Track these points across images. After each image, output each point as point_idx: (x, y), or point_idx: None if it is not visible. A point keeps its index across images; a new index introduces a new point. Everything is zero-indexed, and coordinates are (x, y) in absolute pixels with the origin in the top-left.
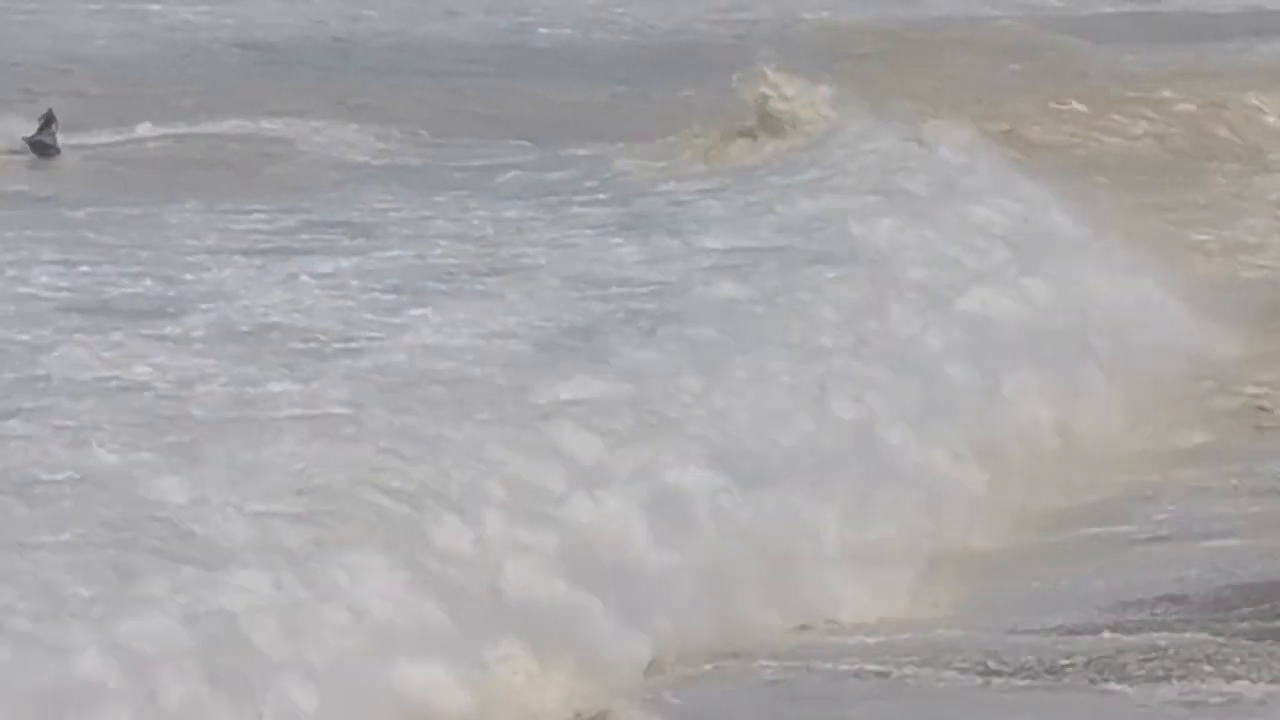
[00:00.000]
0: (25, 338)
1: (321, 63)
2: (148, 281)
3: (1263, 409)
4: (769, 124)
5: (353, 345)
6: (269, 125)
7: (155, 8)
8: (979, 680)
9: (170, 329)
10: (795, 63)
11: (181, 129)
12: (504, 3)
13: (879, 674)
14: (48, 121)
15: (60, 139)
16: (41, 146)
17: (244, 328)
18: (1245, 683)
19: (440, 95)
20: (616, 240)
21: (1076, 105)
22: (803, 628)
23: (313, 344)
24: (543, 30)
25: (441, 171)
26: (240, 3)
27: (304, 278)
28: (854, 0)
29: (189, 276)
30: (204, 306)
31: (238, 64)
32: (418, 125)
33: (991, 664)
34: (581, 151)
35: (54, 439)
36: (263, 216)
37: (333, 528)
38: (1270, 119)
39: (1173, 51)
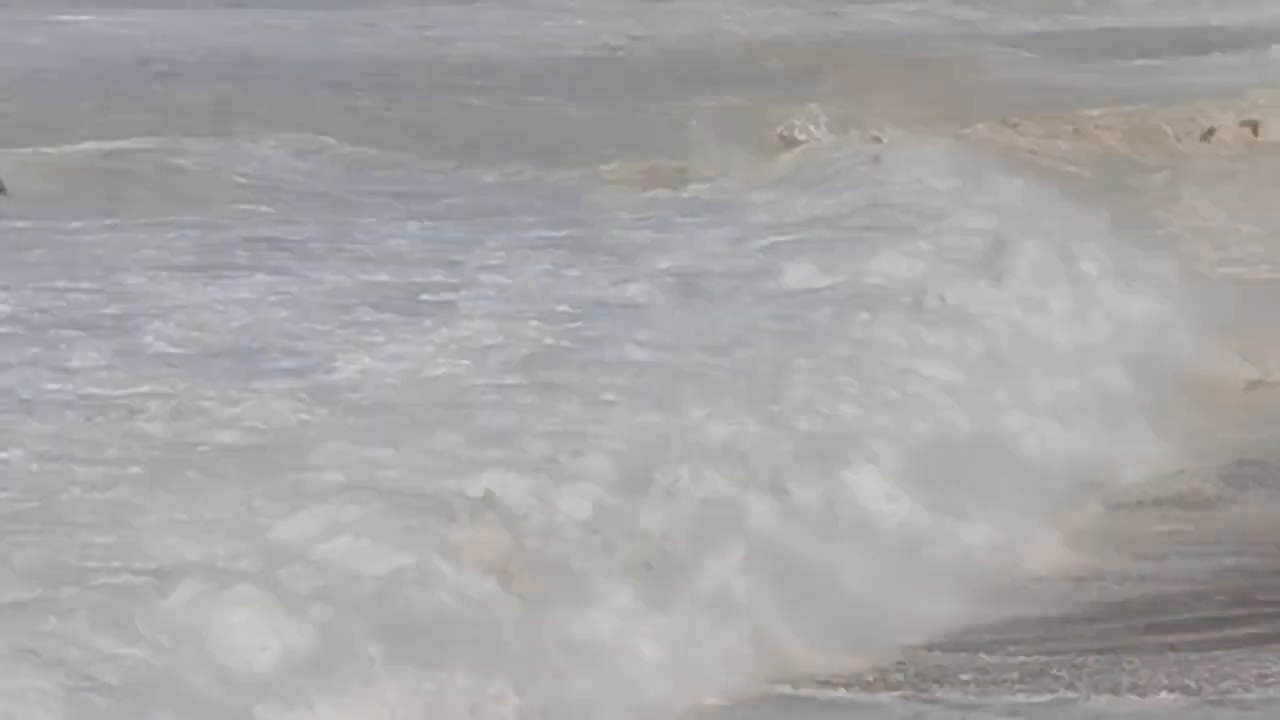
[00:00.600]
0: None
1: (239, 76)
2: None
3: None
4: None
5: (291, 365)
6: (188, 142)
7: (65, 18)
8: None
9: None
10: (730, 80)
11: (92, 146)
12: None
13: None
14: None
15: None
16: None
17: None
18: None
19: (364, 109)
20: (557, 263)
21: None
22: None
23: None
24: (461, 44)
25: (369, 188)
26: (153, 15)
27: (242, 294)
28: (767, 17)
29: (123, 294)
30: (148, 323)
31: (152, 78)
32: (342, 140)
33: None
34: (514, 169)
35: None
36: (195, 234)
37: None
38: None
39: (1104, 68)
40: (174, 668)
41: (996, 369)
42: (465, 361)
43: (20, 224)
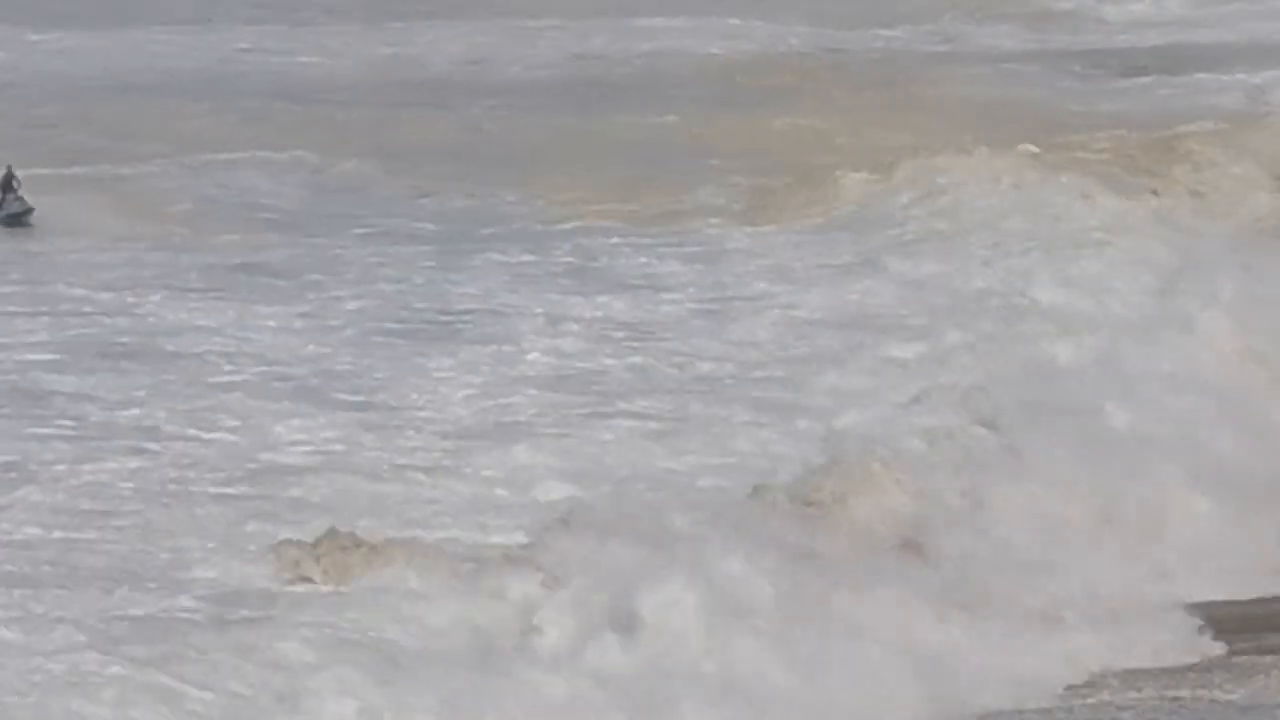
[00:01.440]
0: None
1: (208, 96)
2: None
3: None
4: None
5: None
6: (160, 165)
7: (34, 38)
8: None
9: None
10: (718, 99)
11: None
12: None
13: None
14: (7, 182)
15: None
16: (12, 219)
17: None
18: None
19: (335, 128)
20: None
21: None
22: None
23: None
24: (436, 60)
25: (346, 211)
26: (120, 37)
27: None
28: (733, 36)
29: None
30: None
31: (123, 98)
32: (315, 159)
33: None
34: (499, 191)
35: None
36: (191, 258)
37: None
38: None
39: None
40: None
41: None
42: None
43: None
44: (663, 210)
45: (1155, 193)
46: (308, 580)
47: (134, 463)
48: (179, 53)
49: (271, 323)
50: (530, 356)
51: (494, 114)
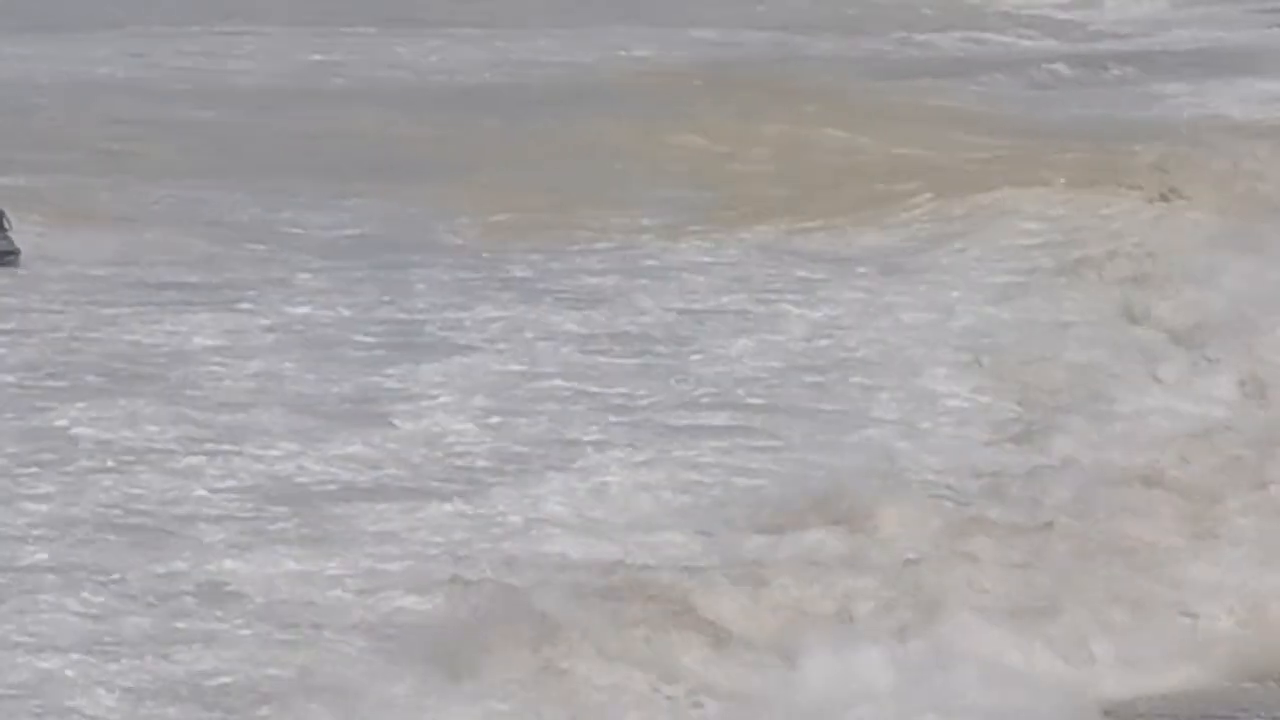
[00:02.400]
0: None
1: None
2: None
3: None
4: None
5: None
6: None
7: None
8: None
9: None
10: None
11: None
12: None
13: None
14: None
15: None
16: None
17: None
18: None
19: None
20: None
21: None
22: None
23: None
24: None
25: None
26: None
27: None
28: (660, 41)
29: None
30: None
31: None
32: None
33: None
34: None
35: None
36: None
37: None
38: None
39: None
40: None
41: None
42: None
43: None
44: (605, 223)
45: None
46: None
47: None
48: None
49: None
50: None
51: (423, 120)
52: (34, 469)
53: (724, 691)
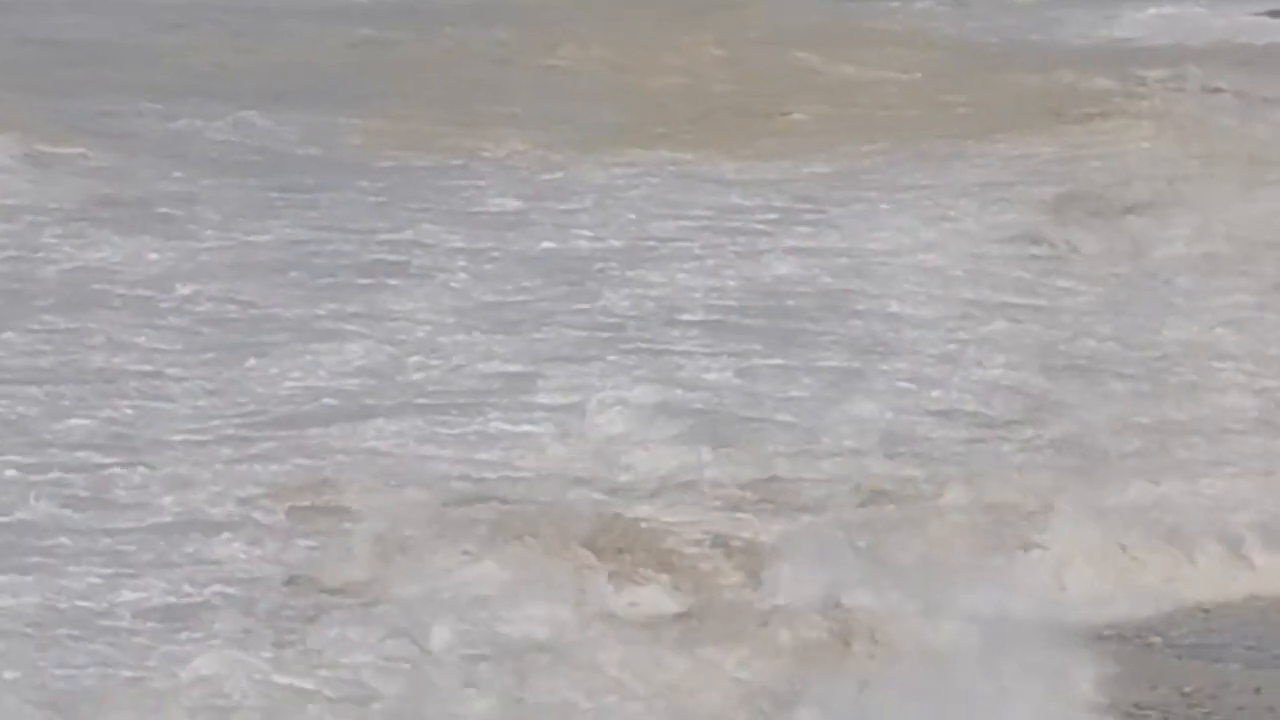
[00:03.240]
0: None
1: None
2: None
3: None
4: None
5: None
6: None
7: None
8: None
9: None
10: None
11: None
12: None
13: None
14: None
15: None
16: None
17: None
18: None
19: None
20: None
21: None
22: None
23: None
24: None
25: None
26: None
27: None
28: None
29: None
30: None
31: None
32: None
33: None
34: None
35: None
36: None
37: None
38: None
39: None
40: None
41: None
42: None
43: None
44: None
45: None
46: None
47: None
48: None
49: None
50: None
51: (324, 38)
52: None
53: None
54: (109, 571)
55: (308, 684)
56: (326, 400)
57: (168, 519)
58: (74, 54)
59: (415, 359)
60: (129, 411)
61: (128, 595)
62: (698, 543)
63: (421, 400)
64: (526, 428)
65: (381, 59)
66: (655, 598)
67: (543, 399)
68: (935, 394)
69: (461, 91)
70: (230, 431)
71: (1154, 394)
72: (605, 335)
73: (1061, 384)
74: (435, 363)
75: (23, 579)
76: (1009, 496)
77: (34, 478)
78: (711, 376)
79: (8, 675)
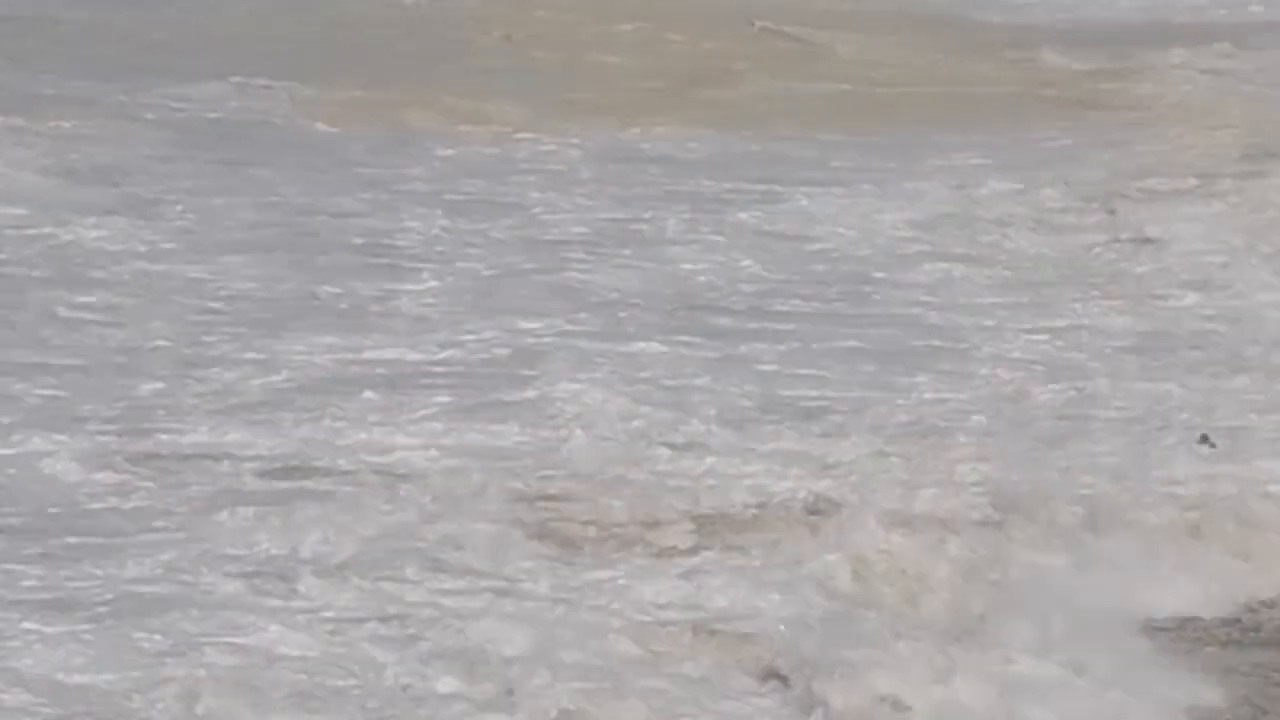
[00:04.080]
0: None
1: None
2: None
3: None
4: None
5: None
6: None
7: None
8: None
9: None
10: None
11: None
12: None
13: None
14: None
15: None
16: None
17: None
18: None
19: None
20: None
21: None
22: None
23: None
24: None
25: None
26: None
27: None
28: None
29: None
30: None
31: None
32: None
33: None
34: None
35: None
36: None
37: None
38: None
39: None
40: None
41: None
42: None
43: None
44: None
45: None
46: None
47: None
48: None
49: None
50: None
51: (278, 10)
52: None
53: None
54: None
55: None
56: None
57: None
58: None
59: None
60: None
61: None
62: None
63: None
64: None
65: (336, 29)
66: None
67: None
68: None
69: (418, 62)
70: None
71: None
72: None
73: None
74: None
75: None
76: None
77: None
78: None
79: None
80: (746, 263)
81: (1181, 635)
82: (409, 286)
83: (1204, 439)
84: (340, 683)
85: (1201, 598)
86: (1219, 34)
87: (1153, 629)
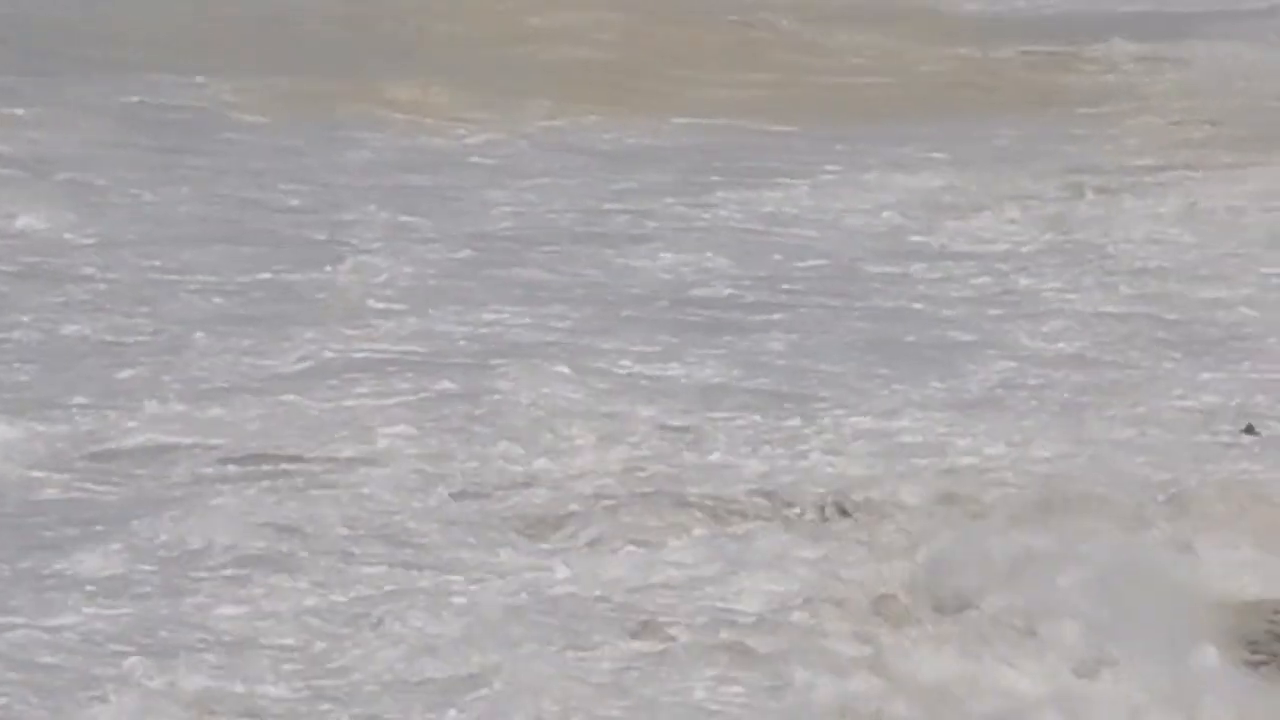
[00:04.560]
0: None
1: None
2: None
3: None
4: None
5: None
6: None
7: None
8: None
9: None
10: None
11: None
12: None
13: None
14: None
15: None
16: None
17: None
18: None
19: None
20: None
21: None
22: None
23: None
24: None
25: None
26: None
27: None
28: None
29: None
30: None
31: None
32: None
33: None
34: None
35: None
36: None
37: None
38: None
39: None
40: None
41: None
42: None
43: None
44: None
45: None
46: None
47: None
48: None
49: None
50: None
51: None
52: None
53: None
54: None
55: None
56: None
57: None
58: None
59: None
60: None
61: None
62: None
63: None
64: None
65: (274, 21)
66: None
67: None
68: None
69: (358, 52)
70: None
71: None
72: None
73: None
74: None
75: None
76: None
77: None
78: None
79: None
80: (708, 254)
81: None
82: (357, 277)
83: (1249, 429)
84: None
85: None
86: (1168, 25)
87: None
